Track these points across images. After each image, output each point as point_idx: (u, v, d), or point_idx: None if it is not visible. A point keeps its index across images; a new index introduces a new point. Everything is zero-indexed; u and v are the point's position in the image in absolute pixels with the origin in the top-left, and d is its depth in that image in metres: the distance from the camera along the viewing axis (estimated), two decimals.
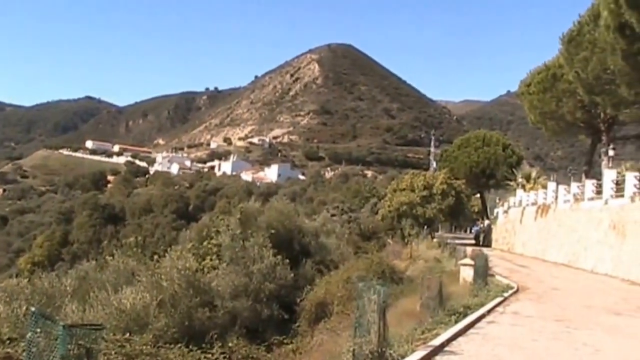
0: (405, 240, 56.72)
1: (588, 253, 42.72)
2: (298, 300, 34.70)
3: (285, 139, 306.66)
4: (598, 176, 48.62)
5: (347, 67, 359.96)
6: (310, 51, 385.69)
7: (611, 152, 46.62)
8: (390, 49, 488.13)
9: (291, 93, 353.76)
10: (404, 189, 67.42)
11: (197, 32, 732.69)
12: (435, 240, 57.55)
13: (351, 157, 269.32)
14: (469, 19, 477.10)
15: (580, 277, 37.12)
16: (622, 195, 38.98)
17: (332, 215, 71.65)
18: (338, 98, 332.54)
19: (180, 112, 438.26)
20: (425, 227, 63.87)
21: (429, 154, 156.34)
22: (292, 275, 36.14)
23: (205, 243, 38.36)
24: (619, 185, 40.44)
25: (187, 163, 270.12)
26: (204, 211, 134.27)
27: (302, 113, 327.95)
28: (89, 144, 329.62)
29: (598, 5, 44.73)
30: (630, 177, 38.52)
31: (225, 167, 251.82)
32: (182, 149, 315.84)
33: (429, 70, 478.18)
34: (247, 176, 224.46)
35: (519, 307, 22.76)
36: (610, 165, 45.06)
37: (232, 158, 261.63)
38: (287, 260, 36.51)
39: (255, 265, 34.05)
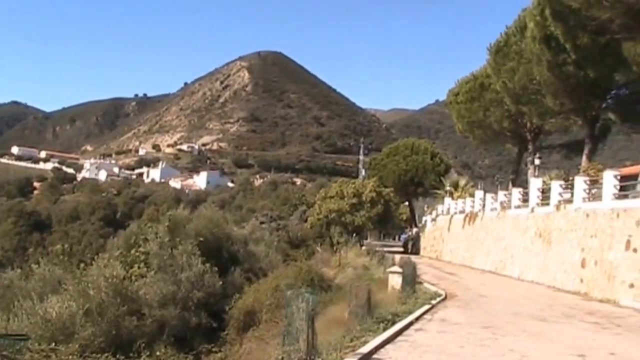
0: (334, 248, 56.80)
1: (515, 260, 43.26)
2: (227, 308, 34.44)
3: (215, 146, 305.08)
4: (525, 184, 49.36)
5: (277, 74, 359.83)
6: (240, 58, 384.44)
7: (537, 161, 47.37)
8: (320, 57, 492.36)
9: (221, 100, 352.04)
10: (333, 197, 67.53)
11: (127, 38, 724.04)
12: (364, 248, 57.75)
13: (280, 164, 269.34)
14: (399, 28, 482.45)
15: (507, 284, 37.53)
16: (548, 204, 39.57)
17: (261, 223, 71.42)
18: (268, 105, 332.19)
19: (109, 118, 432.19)
20: (354, 234, 64.05)
21: (358, 162, 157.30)
22: (220, 283, 35.89)
23: (133, 251, 37.83)
24: (545, 194, 41.07)
25: (115, 170, 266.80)
26: (132, 219, 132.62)
27: (231, 120, 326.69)
28: (15, 149, 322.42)
29: (524, 17, 45.48)
30: (555, 186, 39.12)
31: (153, 174, 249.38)
32: (110, 155, 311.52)
33: (358, 78, 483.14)
34: (175, 183, 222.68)
35: (447, 314, 22.83)
36: (536, 174, 45.77)
37: (160, 165, 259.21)
38: (216, 268, 36.26)
39: (184, 273, 33.72)
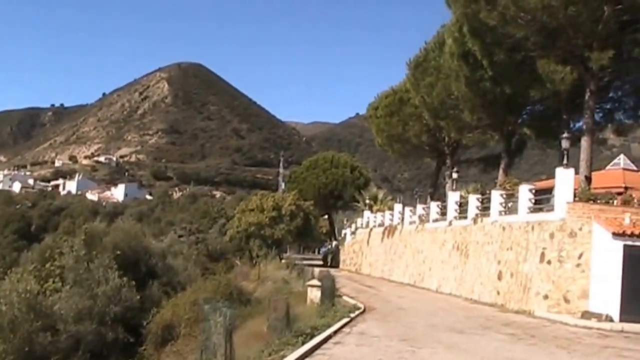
0: (254, 261, 56.67)
1: (433, 273, 43.74)
2: (144, 323, 34.00)
3: (133, 158, 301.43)
4: (443, 198, 49.94)
5: (197, 86, 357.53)
6: (160, 69, 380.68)
7: (455, 175, 48.00)
8: (241, 69, 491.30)
9: (140, 111, 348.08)
10: (252, 210, 67.26)
11: (43, 46, 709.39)
12: (283, 261, 57.66)
13: (200, 177, 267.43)
14: (319, 43, 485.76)
15: (425, 296, 37.88)
16: (465, 217, 40.17)
17: (180, 236, 70.76)
18: (187, 117, 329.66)
19: (24, 128, 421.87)
20: (274, 248, 63.89)
21: (278, 175, 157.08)
22: (138, 297, 35.43)
23: (48, 265, 37.10)
24: (463, 207, 41.69)
25: (30, 181, 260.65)
26: (47, 232, 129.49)
27: (150, 132, 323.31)
28: None
29: (443, 33, 46.12)
30: (472, 200, 39.76)
31: (70, 186, 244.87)
32: (25, 166, 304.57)
33: (279, 91, 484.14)
34: (92, 196, 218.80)
35: (366, 327, 22.90)
36: (454, 187, 46.35)
37: (77, 177, 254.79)
38: (134, 282, 35.82)
39: (100, 287, 33.18)
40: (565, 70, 32.75)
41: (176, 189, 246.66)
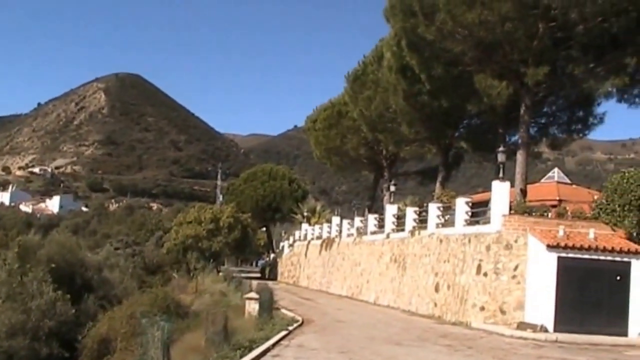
0: (191, 274, 56.09)
1: (371, 285, 43.90)
2: (80, 337, 33.45)
3: (69, 170, 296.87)
4: (381, 211, 50.17)
5: (134, 97, 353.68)
6: (97, 79, 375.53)
7: (393, 188, 48.37)
8: (179, 80, 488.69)
9: (76, 122, 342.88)
10: (190, 222, 66.80)
11: None
12: (221, 273, 57.24)
13: (137, 189, 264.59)
14: (258, 55, 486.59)
15: (363, 309, 37.99)
16: (403, 230, 40.45)
17: (116, 248, 69.72)
18: (125, 128, 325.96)
19: None
20: (212, 260, 63.47)
21: (215, 187, 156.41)
22: (73, 311, 34.90)
23: None
24: (400, 220, 41.98)
25: None
26: None
27: (86, 143, 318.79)
28: None
29: (382, 47, 46.43)
30: (410, 212, 40.07)
31: (3, 197, 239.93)
32: None
33: (217, 103, 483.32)
34: (26, 207, 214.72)
35: (304, 340, 22.87)
36: (391, 200, 46.71)
37: (10, 188, 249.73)
38: (69, 296, 35.28)
39: (34, 301, 32.60)
40: (502, 85, 33.23)
41: (112, 200, 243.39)
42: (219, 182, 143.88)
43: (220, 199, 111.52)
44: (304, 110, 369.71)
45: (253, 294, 28.52)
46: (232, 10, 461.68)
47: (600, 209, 30.31)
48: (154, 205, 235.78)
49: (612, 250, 27.25)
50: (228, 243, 66.81)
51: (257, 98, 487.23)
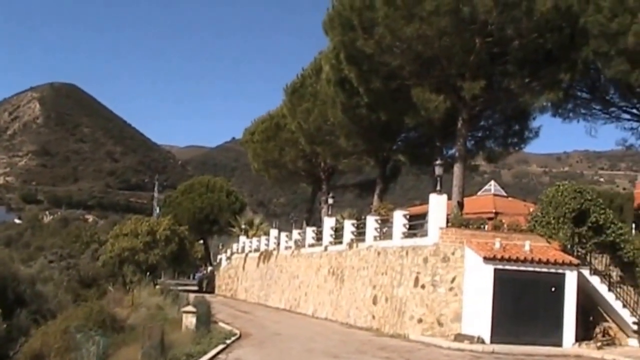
0: (128, 287, 55.43)
1: (309, 298, 43.83)
2: (11, 353, 32.74)
3: (1, 181, 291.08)
4: (319, 223, 50.19)
5: (70, 107, 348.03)
6: (31, 89, 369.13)
7: (331, 200, 48.42)
8: (116, 91, 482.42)
9: (9, 132, 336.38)
10: (126, 235, 65.94)
11: None
12: (158, 286, 56.65)
13: (72, 200, 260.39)
14: (195, 65, 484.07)
15: (301, 321, 37.89)
16: (341, 242, 40.46)
17: (50, 261, 68.56)
18: (60, 139, 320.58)
19: None
20: (148, 273, 62.82)
21: (152, 199, 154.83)
22: (4, 326, 34.11)
23: None
24: (338, 232, 42.00)
25: None
26: None
27: (20, 153, 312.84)
28: None
29: (320, 60, 46.60)
30: (348, 225, 40.13)
31: None
32: None
33: (154, 114, 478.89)
34: None
35: (242, 353, 22.73)
36: (329, 212, 46.73)
37: None
38: (0, 311, 34.44)
39: None
40: (439, 98, 33.60)
41: (47, 212, 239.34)
42: (155, 194, 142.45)
43: (157, 211, 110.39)
44: (242, 122, 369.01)
45: (190, 307, 28.23)
46: (169, 21, 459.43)
47: (536, 221, 30.76)
48: (90, 218, 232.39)
49: (547, 262, 27.69)
50: (165, 256, 66.16)
51: (195, 109, 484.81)
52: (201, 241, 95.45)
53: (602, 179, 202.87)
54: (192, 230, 77.91)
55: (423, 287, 29.06)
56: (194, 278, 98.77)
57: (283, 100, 55.60)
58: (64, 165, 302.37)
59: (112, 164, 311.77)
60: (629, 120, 40.86)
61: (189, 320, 27.17)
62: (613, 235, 30.07)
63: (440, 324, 28.08)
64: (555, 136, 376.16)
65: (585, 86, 39.93)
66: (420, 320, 28.72)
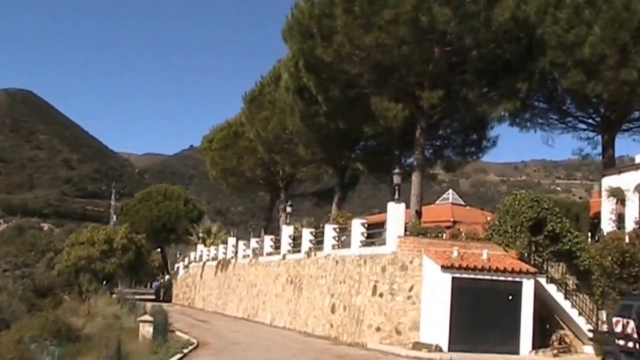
0: (84, 296, 54.84)
1: (267, 307, 43.65)
2: None
3: None
4: (277, 232, 50.06)
5: (26, 113, 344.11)
6: None
7: (289, 209, 48.33)
8: (73, 98, 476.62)
9: None
10: (83, 243, 65.28)
11: None
12: (114, 295, 56.14)
13: (27, 208, 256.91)
14: (153, 72, 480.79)
15: (260, 330, 37.69)
16: (299, 251, 40.36)
17: (4, 270, 67.65)
18: (15, 146, 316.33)
19: None
20: (105, 282, 62.24)
21: (109, 207, 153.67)
22: None
23: None
24: (296, 241, 41.90)
25: None
26: None
27: None
28: None
29: (279, 68, 46.57)
30: (306, 233, 40.05)
31: None
32: None
33: (111, 121, 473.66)
34: None
35: None
36: (288, 221, 46.63)
37: None
38: None
39: None
40: (398, 107, 33.72)
41: (1, 221, 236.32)
42: (112, 202, 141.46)
43: (114, 219, 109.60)
44: (200, 130, 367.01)
45: (147, 317, 27.98)
46: (126, 26, 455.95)
47: (493, 230, 30.95)
48: (45, 226, 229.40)
49: (505, 271, 27.83)
50: (122, 264, 65.65)
51: (153, 117, 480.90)
52: (158, 250, 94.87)
53: (558, 188, 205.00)
54: (149, 238, 77.42)
55: (381, 295, 29.05)
56: (151, 287, 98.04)
57: (242, 108, 55.50)
58: (20, 173, 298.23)
59: (69, 171, 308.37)
60: (585, 130, 41.54)
61: (146, 330, 26.91)
62: (569, 244, 30.36)
63: (398, 333, 28.09)
64: (513, 145, 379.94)
65: (543, 96, 40.50)
66: (378, 329, 28.70)
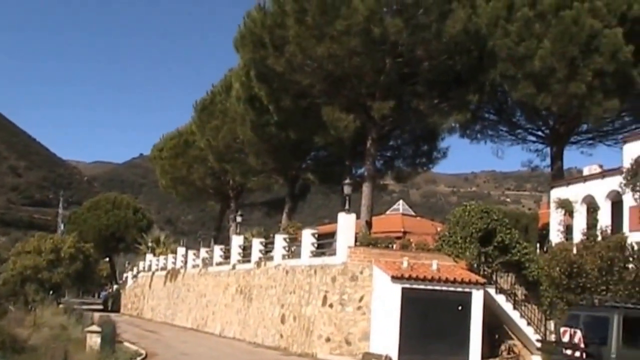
0: (30, 306, 53.90)
1: (216, 317, 43.42)
2: None
3: None
4: (227, 241, 49.85)
5: None
6: None
7: (239, 219, 48.16)
8: (20, 104, 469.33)
9: None
10: (29, 252, 64.21)
11: None
12: (61, 306, 55.29)
13: None
14: (103, 79, 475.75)
15: (209, 341, 37.44)
16: (249, 261, 40.21)
17: None
18: None
19: None
20: (52, 292, 61.31)
21: (57, 216, 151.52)
22: None
23: None
24: (246, 251, 41.74)
25: None
26: None
27: None
28: None
29: (231, 77, 46.43)
30: (256, 243, 39.93)
31: None
32: None
33: (60, 129, 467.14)
34: None
35: None
36: (238, 231, 46.47)
37: None
38: None
39: None
40: (349, 118, 33.77)
41: None
42: (60, 211, 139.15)
43: (62, 228, 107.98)
44: (151, 138, 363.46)
45: (95, 327, 27.57)
46: (74, 32, 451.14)
47: (443, 240, 31.14)
48: None
49: (454, 281, 28.00)
50: (69, 274, 64.69)
51: (102, 125, 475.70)
52: (107, 259, 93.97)
53: (508, 199, 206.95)
54: (97, 248, 76.55)
55: (331, 306, 29.02)
56: (99, 297, 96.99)
57: (192, 117, 55.21)
58: None
59: (15, 179, 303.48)
60: (534, 142, 42.16)
61: (94, 340, 26.51)
62: (518, 254, 30.70)
63: (348, 343, 28.08)
64: (463, 157, 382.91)
65: (493, 108, 40.97)
66: (328, 339, 28.65)
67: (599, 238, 28.97)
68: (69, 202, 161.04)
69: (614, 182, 30.65)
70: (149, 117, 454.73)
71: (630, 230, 28.77)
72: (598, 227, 30.68)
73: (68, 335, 32.27)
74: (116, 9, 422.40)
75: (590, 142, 42.21)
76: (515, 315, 30.00)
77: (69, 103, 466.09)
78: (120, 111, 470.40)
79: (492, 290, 29.53)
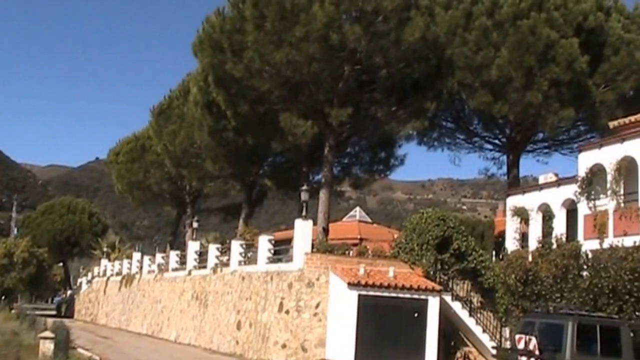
0: None
1: (171, 323, 43.14)
2: None
3: None
4: (183, 247, 49.60)
5: None
6: None
7: (195, 224, 47.88)
8: None
9: None
10: None
11: None
12: (14, 311, 54.57)
13: None
14: (58, 81, 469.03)
15: (164, 347, 37.22)
16: (205, 267, 40.04)
17: None
18: None
19: None
20: (4, 297, 60.53)
21: (10, 220, 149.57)
22: None
23: None
24: (202, 257, 41.56)
25: None
26: None
27: None
28: None
29: (189, 82, 46.19)
30: (212, 249, 39.75)
31: None
32: None
33: (13, 131, 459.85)
34: None
35: None
36: (194, 236, 46.17)
37: None
38: None
39: None
40: (307, 124, 33.70)
41: None
42: (13, 215, 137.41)
43: (15, 232, 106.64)
44: (107, 142, 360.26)
45: (48, 333, 27.26)
46: (28, 30, 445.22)
47: (400, 247, 31.25)
48: None
49: (410, 288, 28.08)
50: (22, 279, 64.02)
51: (57, 128, 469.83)
52: (61, 264, 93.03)
53: (464, 207, 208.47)
54: (51, 252, 75.80)
55: (287, 312, 28.98)
56: (52, 302, 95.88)
57: (149, 122, 54.68)
58: None
59: None
60: (491, 150, 42.61)
61: (46, 347, 26.21)
62: (474, 262, 30.94)
63: (304, 349, 28.02)
64: (420, 164, 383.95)
65: (450, 116, 41.35)
66: (284, 346, 28.59)
67: (554, 246, 29.32)
68: (22, 206, 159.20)
69: (569, 191, 30.99)
70: (105, 120, 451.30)
71: (585, 239, 29.08)
72: (553, 235, 31.05)
73: (20, 342, 31.85)
74: (74, 6, 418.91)
75: (546, 150, 42.84)
76: (471, 322, 30.21)
77: (23, 105, 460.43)
78: (76, 114, 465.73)
79: (448, 298, 29.71)
